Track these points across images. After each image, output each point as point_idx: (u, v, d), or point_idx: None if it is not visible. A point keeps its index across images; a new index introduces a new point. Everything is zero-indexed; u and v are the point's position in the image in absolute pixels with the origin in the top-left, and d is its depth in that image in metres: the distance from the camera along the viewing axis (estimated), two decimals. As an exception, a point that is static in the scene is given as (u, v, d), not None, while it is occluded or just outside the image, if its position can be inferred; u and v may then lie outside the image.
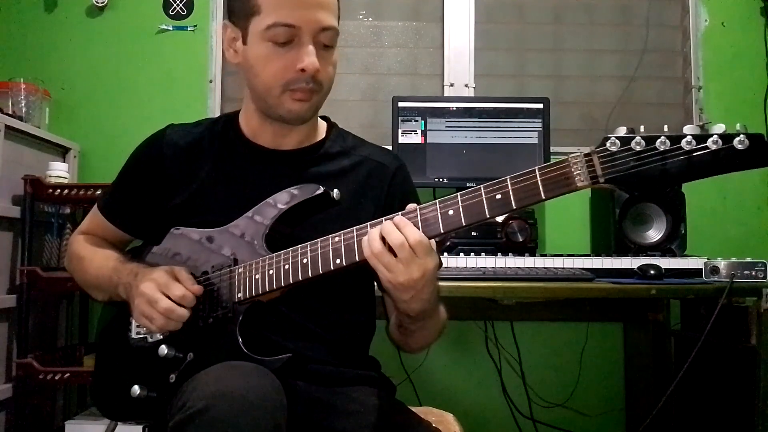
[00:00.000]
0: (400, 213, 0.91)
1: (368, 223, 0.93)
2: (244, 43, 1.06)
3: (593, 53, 2.41)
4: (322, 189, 0.99)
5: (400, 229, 0.89)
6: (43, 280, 1.89)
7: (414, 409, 1.15)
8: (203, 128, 1.18)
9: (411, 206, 0.92)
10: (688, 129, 0.78)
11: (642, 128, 0.81)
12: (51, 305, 2.12)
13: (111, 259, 1.13)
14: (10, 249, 1.93)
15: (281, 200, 1.02)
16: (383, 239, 0.89)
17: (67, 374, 1.89)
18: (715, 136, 0.77)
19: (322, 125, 1.20)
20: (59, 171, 2.03)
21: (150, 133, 1.21)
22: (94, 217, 1.23)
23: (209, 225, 1.08)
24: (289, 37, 1.01)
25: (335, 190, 1.01)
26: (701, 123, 2.27)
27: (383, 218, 0.92)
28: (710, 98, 2.33)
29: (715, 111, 2.31)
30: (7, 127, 1.89)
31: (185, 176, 1.13)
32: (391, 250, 0.88)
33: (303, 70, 1.01)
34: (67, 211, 2.17)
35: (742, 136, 0.76)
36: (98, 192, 1.94)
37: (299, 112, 1.05)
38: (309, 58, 1.00)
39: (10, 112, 2.03)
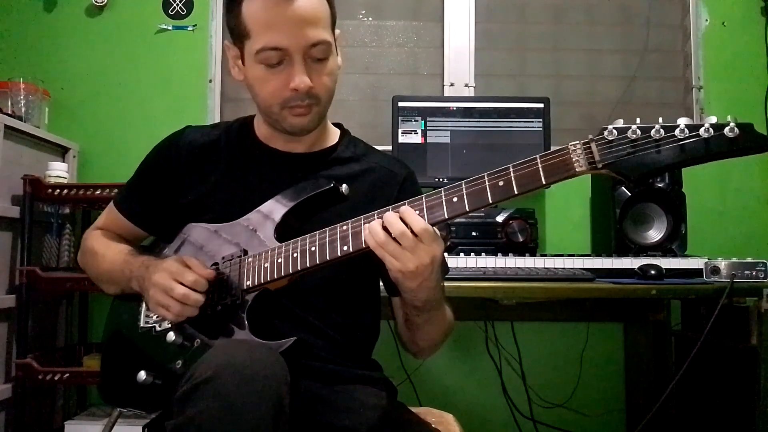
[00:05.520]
0: (406, 201, 0.94)
1: (375, 212, 0.95)
2: (243, 63, 1.10)
3: (593, 53, 2.41)
4: (331, 183, 1.03)
5: (404, 218, 0.91)
6: (42, 280, 1.89)
7: (414, 409, 1.15)
8: (220, 130, 1.21)
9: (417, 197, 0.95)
10: (682, 120, 0.83)
11: (638, 120, 0.85)
12: (50, 305, 2.12)
13: (123, 253, 1.16)
14: (10, 249, 1.93)
15: (291, 195, 1.06)
16: (386, 229, 0.91)
17: (67, 374, 1.88)
18: (706, 125, 0.82)
19: (335, 131, 1.23)
20: (58, 171, 2.03)
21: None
22: (109, 213, 1.26)
23: (221, 222, 1.11)
24: (279, 58, 1.03)
25: (344, 185, 1.03)
26: (701, 123, 2.29)
27: (389, 207, 0.94)
28: (710, 98, 2.32)
29: (716, 111, 2.31)
30: (7, 127, 1.89)
31: (200, 175, 1.16)
32: (395, 239, 0.91)
33: (296, 89, 1.04)
34: (67, 211, 2.17)
35: (732, 124, 0.81)
36: (98, 192, 1.95)
37: (301, 126, 1.09)
38: (299, 77, 1.03)
39: (9, 112, 2.03)
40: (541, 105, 2.09)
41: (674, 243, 1.89)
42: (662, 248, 1.87)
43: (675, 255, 1.84)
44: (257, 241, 1.05)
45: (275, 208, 1.06)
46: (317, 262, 0.97)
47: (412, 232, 0.90)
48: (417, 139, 2.07)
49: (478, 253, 1.76)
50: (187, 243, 1.14)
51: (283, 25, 1.02)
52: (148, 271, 1.05)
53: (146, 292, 1.05)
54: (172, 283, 0.99)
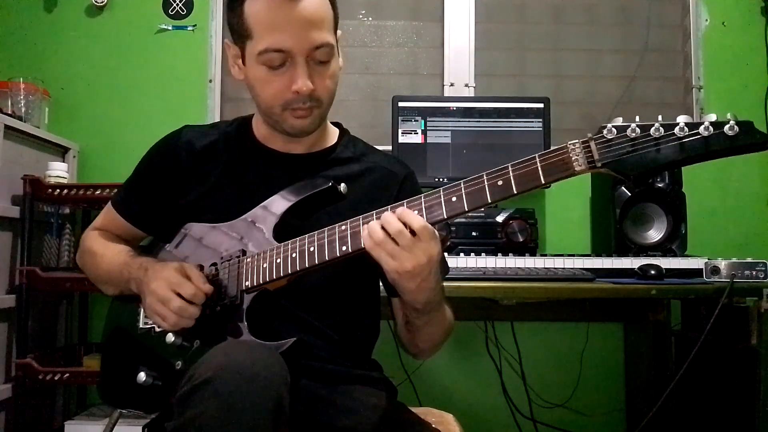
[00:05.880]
0: (405, 201, 0.94)
1: (374, 212, 0.95)
2: (244, 63, 1.09)
3: (593, 53, 2.41)
4: (330, 182, 1.03)
5: (402, 217, 0.90)
6: (42, 280, 1.89)
7: (414, 409, 1.15)
8: (218, 130, 1.20)
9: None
10: (681, 118, 0.83)
11: (637, 118, 0.84)
12: (50, 305, 2.12)
13: (122, 254, 1.15)
14: (10, 249, 1.93)
15: (290, 194, 1.05)
16: (383, 229, 0.91)
17: (67, 374, 1.88)
18: (706, 123, 0.81)
19: (334, 131, 1.22)
20: (58, 171, 2.03)
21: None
22: (107, 213, 1.25)
23: (220, 222, 1.11)
24: (282, 60, 1.03)
25: (342, 184, 1.03)
26: (701, 121, 2.29)
27: (388, 206, 0.94)
28: (710, 98, 2.32)
29: (716, 111, 2.25)
30: (7, 126, 1.89)
31: (198, 175, 1.15)
32: (392, 238, 0.90)
33: (298, 92, 1.03)
34: (67, 211, 2.17)
35: (732, 122, 0.80)
36: (98, 192, 1.95)
37: (302, 127, 1.09)
38: (302, 80, 1.02)
39: (9, 112, 2.03)
40: (541, 105, 2.09)
41: (674, 243, 1.89)
42: (662, 248, 1.87)
43: (675, 255, 1.84)
44: (259, 234, 1.05)
45: (277, 203, 1.06)
46: (316, 262, 0.97)
47: (411, 230, 0.90)
48: (417, 139, 2.07)
49: (478, 253, 1.76)
50: (188, 238, 1.14)
51: (287, 26, 1.01)
52: (146, 274, 1.04)
53: (143, 296, 1.05)
54: (170, 295, 0.99)
